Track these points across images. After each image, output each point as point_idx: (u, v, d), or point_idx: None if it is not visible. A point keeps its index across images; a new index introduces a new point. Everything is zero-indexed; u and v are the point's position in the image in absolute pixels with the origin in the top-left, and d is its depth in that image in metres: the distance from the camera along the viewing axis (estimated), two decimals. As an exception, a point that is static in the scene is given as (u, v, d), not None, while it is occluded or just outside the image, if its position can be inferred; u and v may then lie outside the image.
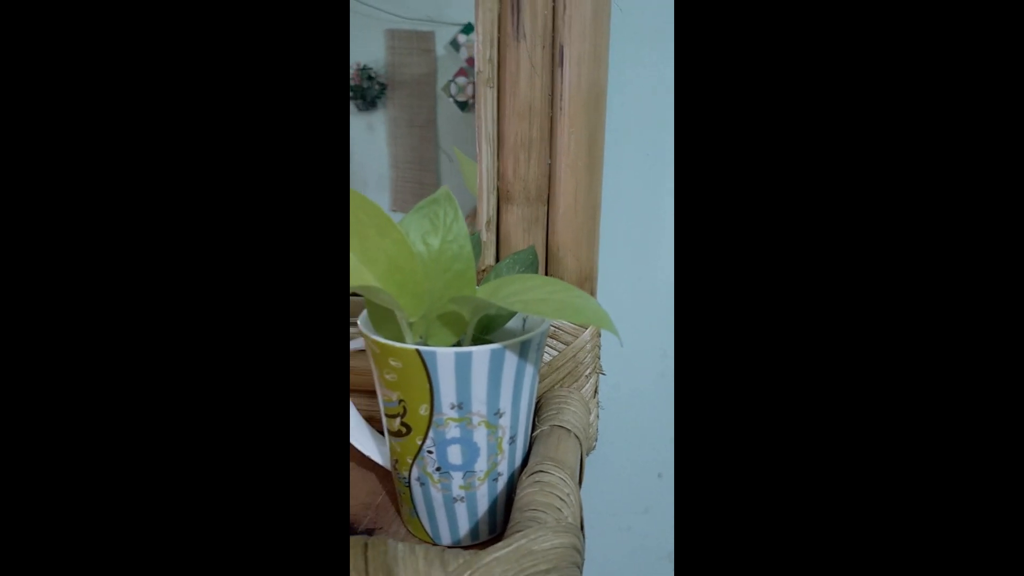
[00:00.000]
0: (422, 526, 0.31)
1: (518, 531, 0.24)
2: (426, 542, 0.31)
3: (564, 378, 0.38)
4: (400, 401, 0.28)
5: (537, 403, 0.37)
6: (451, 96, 0.48)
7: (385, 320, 0.29)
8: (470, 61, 0.46)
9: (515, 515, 0.26)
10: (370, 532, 0.32)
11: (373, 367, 0.29)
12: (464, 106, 0.48)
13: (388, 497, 0.35)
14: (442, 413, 0.28)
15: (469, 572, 0.22)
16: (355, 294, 0.45)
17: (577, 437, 0.33)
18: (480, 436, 0.28)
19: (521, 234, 0.38)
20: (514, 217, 0.37)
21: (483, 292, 0.27)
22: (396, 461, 0.31)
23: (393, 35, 0.48)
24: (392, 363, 0.27)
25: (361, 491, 0.36)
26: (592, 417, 0.40)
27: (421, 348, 0.26)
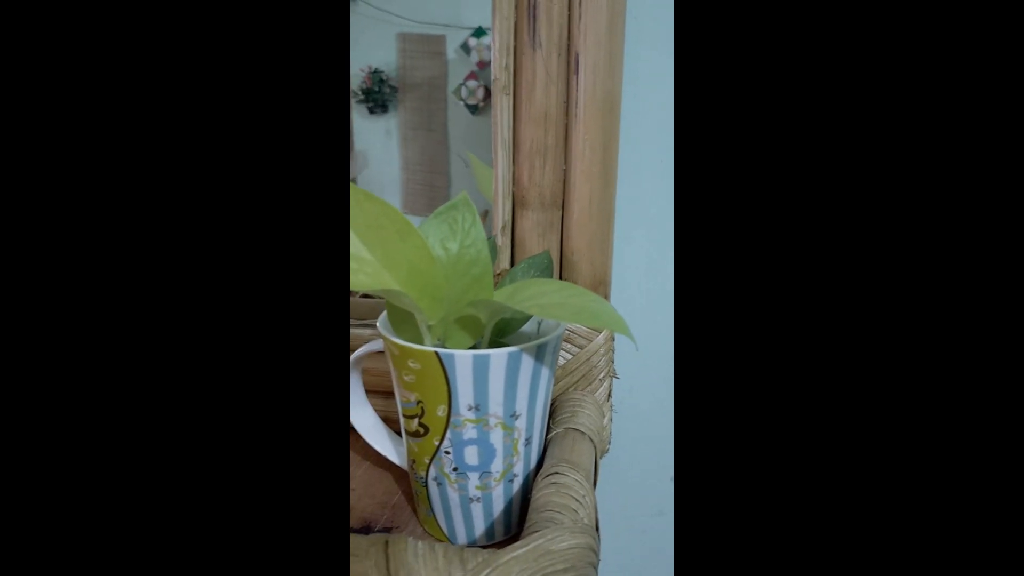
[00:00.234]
0: (438, 526, 0.32)
1: (535, 531, 0.24)
2: (442, 541, 0.32)
3: (578, 381, 0.39)
4: (418, 402, 0.29)
5: (551, 406, 0.38)
6: (462, 100, 0.48)
7: (404, 323, 0.30)
8: (481, 65, 0.47)
9: (532, 516, 0.26)
10: (387, 531, 0.33)
11: (392, 368, 0.30)
12: (475, 110, 0.48)
13: (404, 497, 0.36)
14: (459, 414, 0.28)
15: (488, 571, 0.23)
16: (374, 296, 0.46)
17: (591, 440, 0.34)
18: (496, 437, 0.29)
19: (536, 239, 0.38)
20: (529, 222, 0.38)
21: (500, 296, 0.28)
22: (413, 461, 0.31)
23: (405, 39, 0.49)
24: (411, 365, 0.28)
25: (378, 491, 0.36)
26: (606, 420, 0.40)
27: (440, 350, 0.27)
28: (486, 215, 0.40)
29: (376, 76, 0.50)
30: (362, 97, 0.50)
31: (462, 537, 0.32)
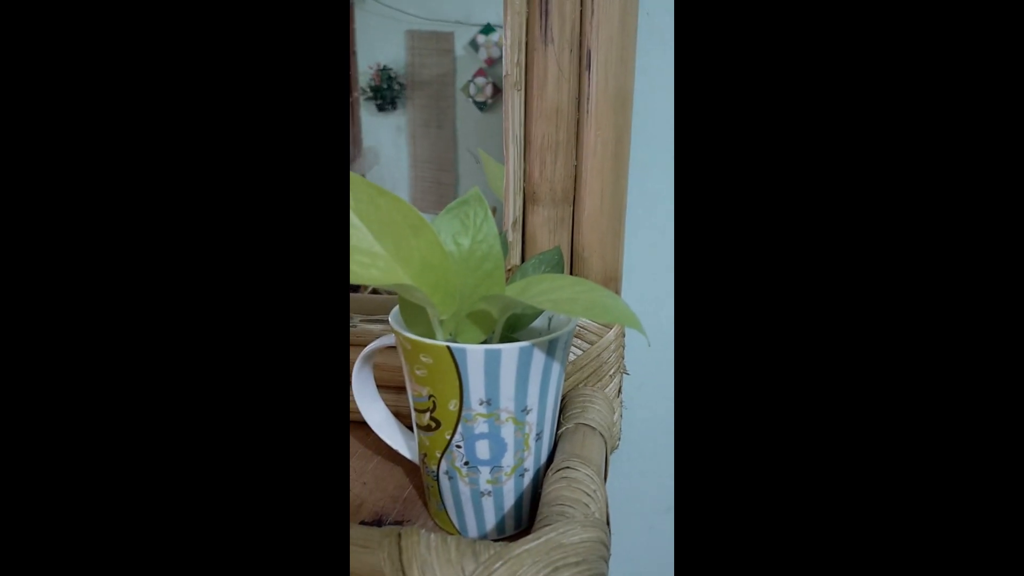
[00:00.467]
0: (449, 519, 0.32)
1: (546, 525, 0.25)
2: (453, 535, 0.32)
3: (588, 377, 0.39)
4: (430, 396, 0.29)
5: (562, 401, 0.38)
6: (470, 96, 0.48)
7: (416, 317, 0.30)
8: (489, 61, 0.47)
9: (543, 509, 0.27)
10: (399, 524, 0.33)
11: (404, 363, 0.30)
12: (483, 106, 0.48)
13: (416, 491, 0.36)
14: (471, 409, 0.28)
15: (500, 563, 0.23)
16: (386, 291, 0.46)
17: (602, 435, 0.34)
18: (507, 432, 0.29)
19: (547, 234, 0.38)
20: (540, 218, 0.38)
21: (512, 291, 0.28)
22: (425, 455, 0.32)
23: (413, 36, 0.49)
24: (423, 359, 0.28)
25: (389, 485, 0.36)
26: (616, 416, 0.40)
27: (452, 345, 0.27)
28: (495, 211, 0.40)
29: (385, 73, 0.50)
30: (371, 94, 0.51)
31: (473, 531, 0.32)
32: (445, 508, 0.32)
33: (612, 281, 0.39)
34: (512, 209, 0.38)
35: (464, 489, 0.30)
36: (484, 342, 0.29)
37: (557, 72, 0.35)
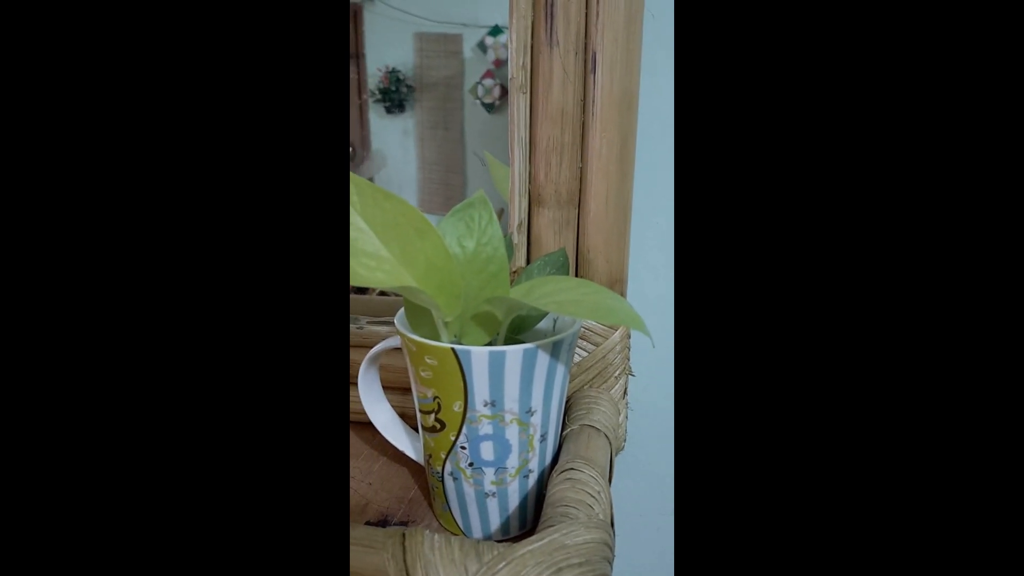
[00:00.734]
0: (454, 520, 0.32)
1: (550, 525, 0.25)
2: (457, 535, 0.32)
3: (594, 379, 0.39)
4: (435, 398, 0.29)
5: (567, 403, 0.38)
6: (478, 98, 0.48)
7: (421, 319, 0.30)
8: (497, 63, 0.47)
9: (547, 510, 0.27)
10: (403, 525, 0.33)
11: (409, 365, 0.30)
12: (491, 108, 0.48)
13: (420, 491, 0.36)
14: (475, 410, 0.28)
15: (503, 563, 0.23)
16: (394, 294, 0.46)
17: (607, 437, 0.34)
18: (512, 433, 0.29)
19: (552, 236, 0.38)
20: (545, 220, 0.38)
21: (517, 293, 0.28)
22: (430, 456, 0.32)
23: (421, 38, 0.49)
24: (428, 361, 0.28)
25: (395, 485, 0.37)
26: (621, 418, 0.40)
27: (456, 347, 0.27)
28: (502, 213, 0.40)
29: (393, 76, 0.50)
30: (379, 97, 0.51)
31: (477, 531, 0.32)
32: (450, 509, 0.32)
33: (617, 283, 0.39)
34: (517, 211, 0.38)
35: (468, 490, 0.31)
36: (489, 344, 0.30)
37: (562, 74, 0.35)
